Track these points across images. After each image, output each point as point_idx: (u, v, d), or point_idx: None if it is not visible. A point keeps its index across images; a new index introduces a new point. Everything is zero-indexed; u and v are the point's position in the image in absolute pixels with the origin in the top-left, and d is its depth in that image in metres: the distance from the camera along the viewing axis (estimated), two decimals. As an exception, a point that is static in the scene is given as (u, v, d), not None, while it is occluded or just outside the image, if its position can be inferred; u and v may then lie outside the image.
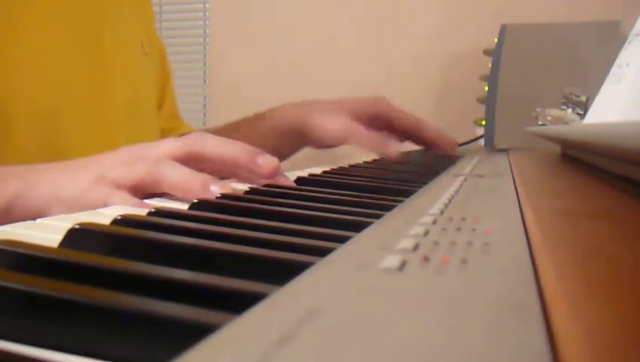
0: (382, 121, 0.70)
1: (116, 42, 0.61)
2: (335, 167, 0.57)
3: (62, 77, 0.55)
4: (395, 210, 0.27)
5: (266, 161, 0.39)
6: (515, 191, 0.34)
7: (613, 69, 0.55)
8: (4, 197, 0.37)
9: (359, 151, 0.66)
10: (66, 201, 0.36)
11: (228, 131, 0.69)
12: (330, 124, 0.64)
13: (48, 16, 0.54)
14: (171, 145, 0.38)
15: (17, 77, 0.51)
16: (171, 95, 0.79)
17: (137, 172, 0.36)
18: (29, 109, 0.51)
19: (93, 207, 0.34)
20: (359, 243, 0.20)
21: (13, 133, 0.50)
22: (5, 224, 0.37)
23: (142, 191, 0.36)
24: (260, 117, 0.72)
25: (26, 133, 0.51)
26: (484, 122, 1.06)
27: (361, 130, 0.62)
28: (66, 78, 0.55)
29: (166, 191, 0.36)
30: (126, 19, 0.64)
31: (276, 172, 0.39)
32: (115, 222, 0.24)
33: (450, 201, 0.29)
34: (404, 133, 0.72)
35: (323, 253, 0.18)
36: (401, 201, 0.31)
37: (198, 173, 0.35)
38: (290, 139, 0.70)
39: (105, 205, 0.34)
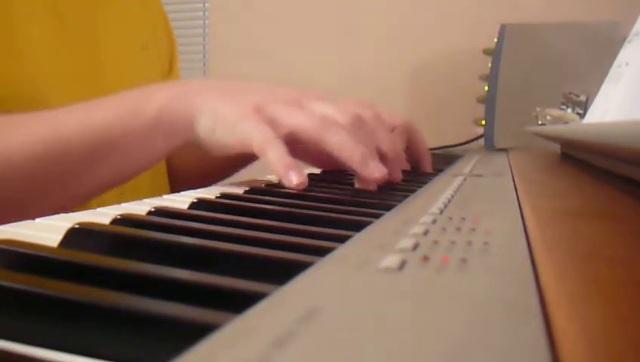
0: None
1: (111, 39, 0.61)
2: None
3: (53, 69, 0.54)
4: (394, 210, 0.27)
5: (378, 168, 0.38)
6: (514, 191, 0.34)
7: (613, 69, 0.55)
8: (154, 105, 0.38)
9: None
10: (220, 119, 0.37)
11: None
12: None
13: (42, 8, 0.53)
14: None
15: (9, 66, 0.50)
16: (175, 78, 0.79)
17: (300, 121, 0.36)
18: (20, 100, 0.51)
19: (241, 137, 0.35)
20: (359, 242, 0.20)
21: None
22: (158, 135, 0.39)
23: (294, 141, 0.36)
24: None
25: None
26: (484, 122, 1.06)
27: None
28: (57, 69, 0.54)
29: (324, 152, 0.35)
30: (124, 18, 0.64)
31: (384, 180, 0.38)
32: (114, 221, 0.24)
33: (449, 201, 0.29)
34: None
35: (323, 252, 0.18)
36: (400, 201, 0.31)
37: (361, 145, 0.36)
38: None
39: (251, 140, 0.34)
